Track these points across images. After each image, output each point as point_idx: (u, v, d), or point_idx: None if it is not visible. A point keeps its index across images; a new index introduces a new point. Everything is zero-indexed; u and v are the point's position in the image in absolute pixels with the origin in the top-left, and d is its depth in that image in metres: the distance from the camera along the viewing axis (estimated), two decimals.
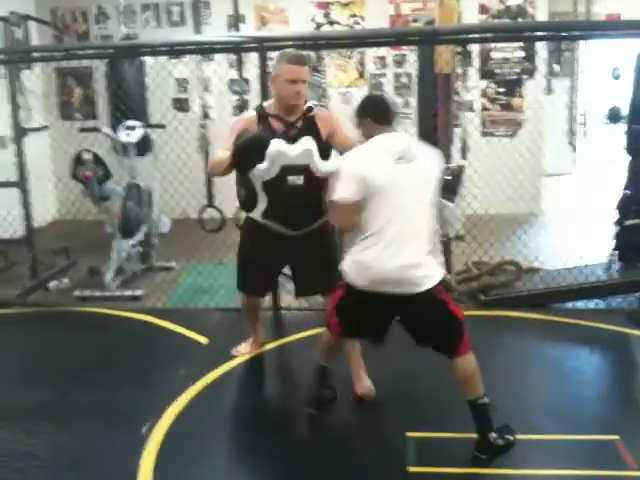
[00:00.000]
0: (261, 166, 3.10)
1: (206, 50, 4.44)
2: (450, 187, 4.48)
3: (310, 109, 3.29)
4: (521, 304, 4.42)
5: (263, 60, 4.14)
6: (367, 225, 2.76)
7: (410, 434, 2.97)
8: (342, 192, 2.78)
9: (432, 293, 2.75)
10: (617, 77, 8.23)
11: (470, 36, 4.27)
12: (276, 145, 3.10)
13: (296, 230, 3.31)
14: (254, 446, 3.03)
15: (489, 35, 4.47)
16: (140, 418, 3.16)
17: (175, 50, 4.49)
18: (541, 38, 4.44)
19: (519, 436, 2.90)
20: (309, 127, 3.24)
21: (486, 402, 2.80)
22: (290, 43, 4.05)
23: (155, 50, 4.33)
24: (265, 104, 3.37)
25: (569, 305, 4.53)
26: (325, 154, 3.16)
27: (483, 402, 2.79)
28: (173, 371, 3.69)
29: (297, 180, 3.14)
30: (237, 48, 4.28)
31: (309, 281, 3.49)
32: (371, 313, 2.85)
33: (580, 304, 4.52)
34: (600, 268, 4.67)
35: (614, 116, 8.35)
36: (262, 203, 3.24)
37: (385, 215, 2.72)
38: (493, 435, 2.80)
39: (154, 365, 3.78)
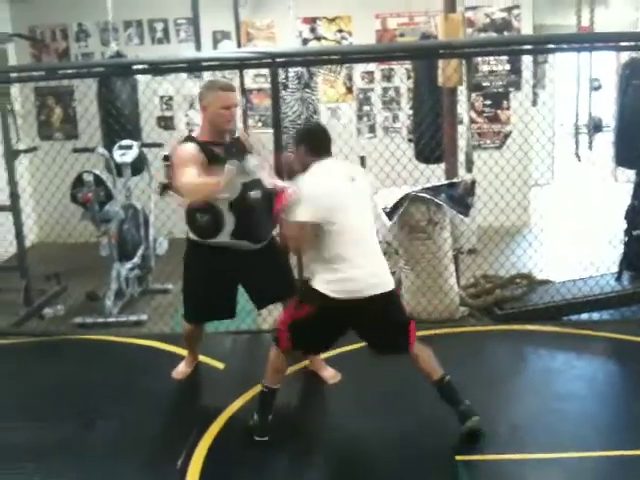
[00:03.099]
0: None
1: (215, 67, 4.31)
2: (464, 201, 4.45)
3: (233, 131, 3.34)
4: (538, 317, 4.39)
5: (274, 76, 4.04)
6: (337, 243, 2.93)
7: (460, 457, 2.88)
8: (301, 215, 2.92)
9: (395, 292, 3.11)
10: (597, 88, 8.31)
11: (486, 49, 4.24)
12: (234, 165, 3.11)
13: (259, 243, 3.41)
14: (294, 476, 2.93)
15: (504, 49, 4.47)
16: (172, 452, 3.00)
17: (180, 68, 4.36)
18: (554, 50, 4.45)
19: (564, 454, 2.89)
20: (239, 148, 3.22)
21: (449, 378, 3.05)
22: (301, 58, 3.97)
23: (158, 68, 4.19)
24: (194, 134, 3.39)
25: (584, 316, 4.52)
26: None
27: (449, 379, 3.04)
28: (195, 400, 3.55)
29: (257, 195, 3.27)
30: (244, 64, 4.16)
31: (269, 290, 3.53)
32: (336, 326, 3.05)
33: (595, 315, 4.51)
34: (611, 278, 4.68)
35: (595, 126, 8.45)
36: (230, 224, 3.29)
37: (352, 231, 2.94)
38: (467, 402, 3.03)
39: (175, 394, 3.62)
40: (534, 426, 3.14)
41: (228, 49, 6.50)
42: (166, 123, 7.30)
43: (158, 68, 4.58)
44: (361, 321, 3.04)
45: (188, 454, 2.98)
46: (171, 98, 7.25)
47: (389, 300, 3.03)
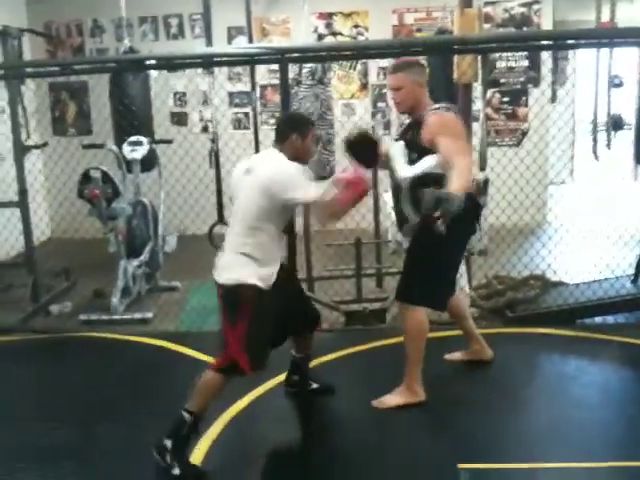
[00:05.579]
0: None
1: (225, 62, 4.26)
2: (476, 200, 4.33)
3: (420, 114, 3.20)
4: (551, 320, 4.27)
5: (284, 72, 3.98)
6: None
7: (462, 466, 2.79)
8: None
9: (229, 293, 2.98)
10: (618, 85, 8.15)
11: (501, 45, 4.16)
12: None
13: None
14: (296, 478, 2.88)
15: (520, 44, 4.36)
16: None
17: (191, 63, 4.31)
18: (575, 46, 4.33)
19: (573, 464, 2.78)
20: (416, 130, 3.19)
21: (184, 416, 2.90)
22: (312, 54, 3.91)
23: (170, 63, 4.14)
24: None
25: (598, 320, 4.39)
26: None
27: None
28: None
29: None
30: (254, 60, 4.10)
31: None
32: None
33: (610, 318, 4.39)
34: (627, 281, 4.55)
35: (615, 124, 8.28)
36: None
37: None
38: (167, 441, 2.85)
39: (178, 395, 3.51)
40: (543, 434, 3.03)
41: (239, 45, 6.44)
42: (179, 119, 7.28)
43: (169, 64, 4.54)
44: None
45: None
46: (184, 94, 7.23)
47: (222, 296, 3.03)
